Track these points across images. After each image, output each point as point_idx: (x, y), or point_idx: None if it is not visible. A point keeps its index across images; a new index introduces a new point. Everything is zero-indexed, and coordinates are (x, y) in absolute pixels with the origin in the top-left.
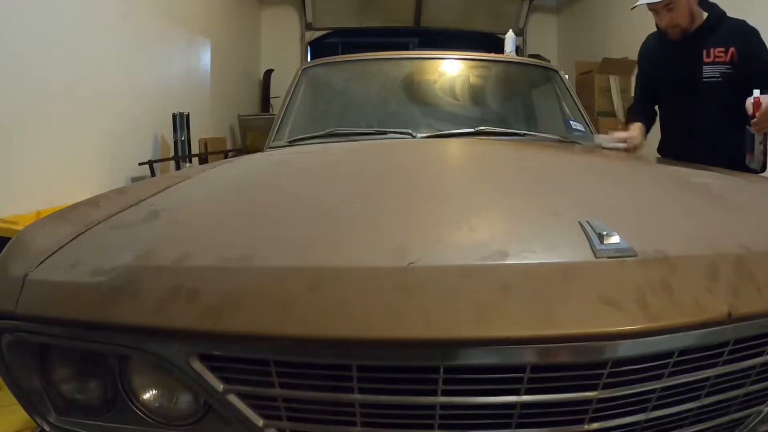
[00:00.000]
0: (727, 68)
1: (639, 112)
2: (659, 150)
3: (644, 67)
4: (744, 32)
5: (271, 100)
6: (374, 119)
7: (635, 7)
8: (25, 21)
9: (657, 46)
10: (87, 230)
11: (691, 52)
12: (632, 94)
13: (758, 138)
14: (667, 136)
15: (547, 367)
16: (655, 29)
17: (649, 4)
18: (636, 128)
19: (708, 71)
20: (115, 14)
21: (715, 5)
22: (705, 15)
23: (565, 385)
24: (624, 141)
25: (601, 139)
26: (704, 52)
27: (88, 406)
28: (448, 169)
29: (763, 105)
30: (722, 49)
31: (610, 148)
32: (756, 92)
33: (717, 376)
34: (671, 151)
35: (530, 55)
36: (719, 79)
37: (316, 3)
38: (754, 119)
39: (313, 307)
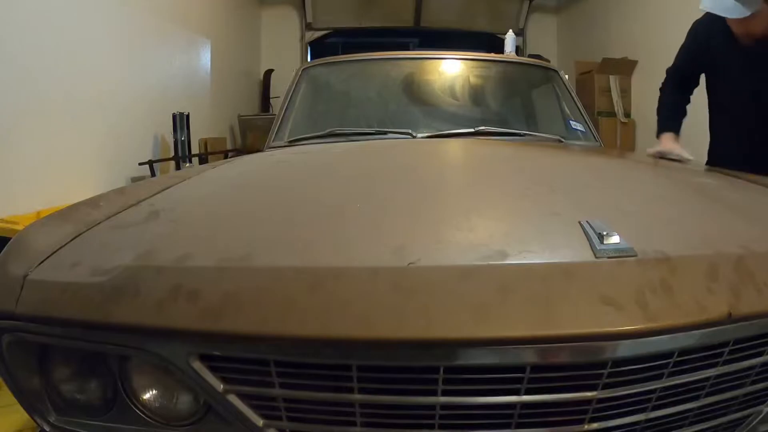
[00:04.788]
0: None
1: (674, 105)
2: (709, 154)
3: (698, 55)
4: None
5: (271, 100)
6: (374, 119)
7: (705, 10)
8: (24, 21)
9: (723, 39)
10: (87, 230)
11: (764, 58)
12: (632, 94)
13: None
14: (722, 145)
15: (547, 367)
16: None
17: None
18: (670, 141)
19: None
20: (115, 14)
21: None
22: None
23: (565, 385)
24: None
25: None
26: None
27: (88, 406)
28: (448, 169)
29: None
30: None
31: (673, 159)
32: None
33: (717, 376)
34: (725, 160)
35: (530, 55)
36: None
37: (316, 3)
38: None
39: (313, 307)
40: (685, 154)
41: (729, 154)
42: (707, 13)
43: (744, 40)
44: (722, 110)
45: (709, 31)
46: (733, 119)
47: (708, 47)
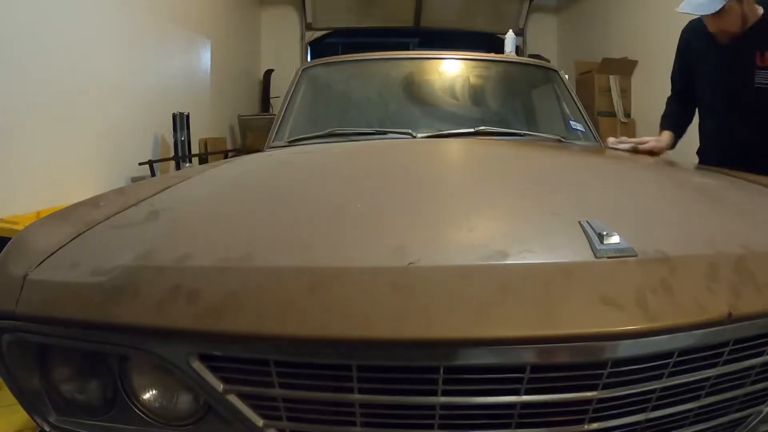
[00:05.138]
0: None
1: (675, 112)
2: (699, 153)
3: (686, 60)
4: None
5: (271, 100)
6: (374, 119)
7: (683, 13)
8: (24, 21)
9: (704, 41)
10: (87, 230)
11: (742, 55)
12: (632, 94)
13: None
14: (709, 144)
15: (547, 367)
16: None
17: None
18: (666, 136)
19: (761, 77)
20: (115, 14)
21: None
22: (761, 11)
23: (565, 385)
24: (641, 144)
25: (612, 141)
26: (756, 55)
27: (88, 406)
28: (448, 169)
29: None
30: None
31: (619, 149)
32: None
33: (717, 376)
34: (713, 156)
35: (530, 55)
36: None
37: (316, 3)
38: None
39: (313, 307)
40: (639, 146)
41: (714, 153)
42: (692, 20)
43: (720, 38)
44: (707, 110)
45: (692, 36)
46: (717, 119)
47: (692, 51)
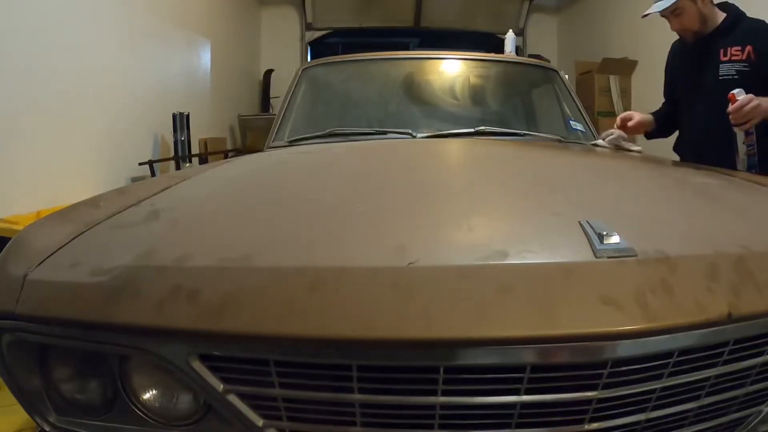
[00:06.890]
0: (744, 66)
1: (664, 112)
2: (675, 149)
3: (668, 74)
4: (762, 30)
5: (271, 100)
6: (374, 119)
7: (647, 15)
8: (24, 21)
9: (679, 53)
10: (87, 230)
11: (708, 53)
12: (632, 94)
13: (740, 137)
14: (684, 135)
15: (547, 367)
16: (665, 34)
17: (658, 12)
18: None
19: (724, 69)
20: (114, 14)
21: (733, 6)
22: (722, 16)
23: (565, 385)
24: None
25: (603, 137)
26: (721, 51)
27: (88, 406)
28: (448, 169)
29: (738, 101)
30: (739, 48)
31: (613, 146)
32: (737, 90)
33: (717, 376)
34: (686, 150)
35: (530, 55)
36: (736, 77)
37: (316, 3)
38: (730, 114)
39: (313, 307)
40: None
41: (689, 146)
42: (673, 43)
43: (686, 38)
44: (683, 107)
45: (677, 47)
46: (691, 114)
47: (675, 57)
